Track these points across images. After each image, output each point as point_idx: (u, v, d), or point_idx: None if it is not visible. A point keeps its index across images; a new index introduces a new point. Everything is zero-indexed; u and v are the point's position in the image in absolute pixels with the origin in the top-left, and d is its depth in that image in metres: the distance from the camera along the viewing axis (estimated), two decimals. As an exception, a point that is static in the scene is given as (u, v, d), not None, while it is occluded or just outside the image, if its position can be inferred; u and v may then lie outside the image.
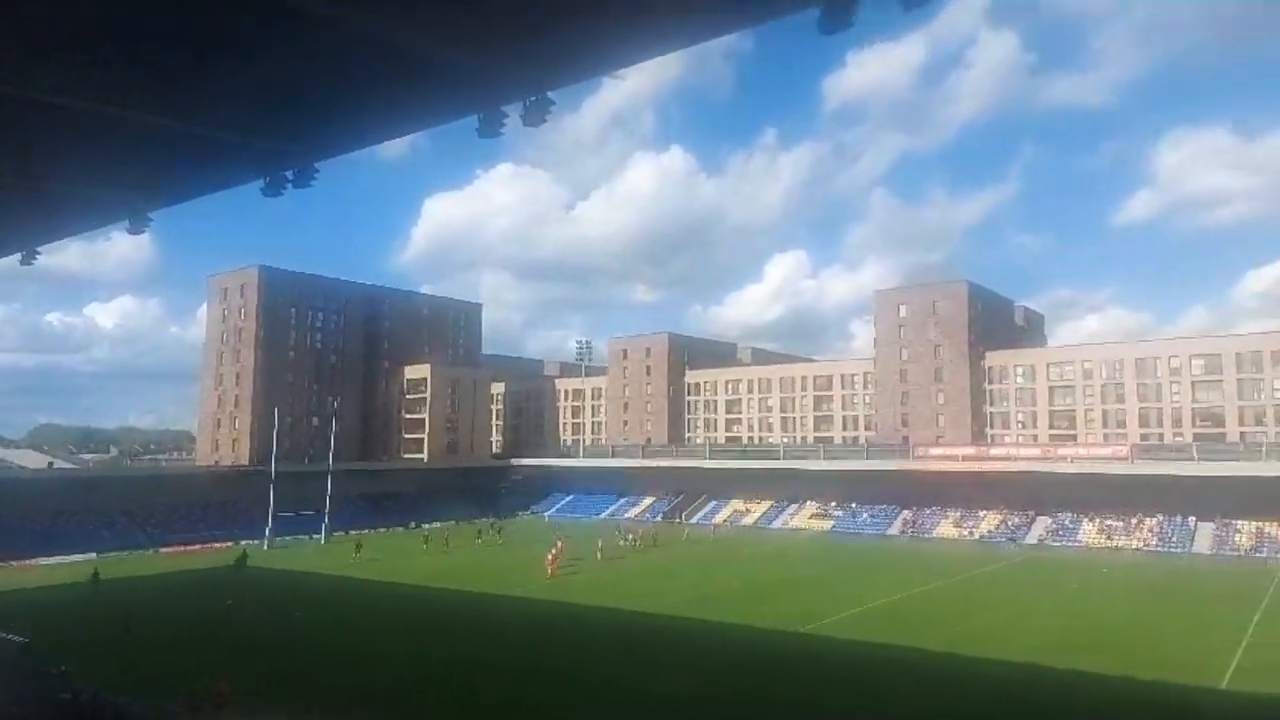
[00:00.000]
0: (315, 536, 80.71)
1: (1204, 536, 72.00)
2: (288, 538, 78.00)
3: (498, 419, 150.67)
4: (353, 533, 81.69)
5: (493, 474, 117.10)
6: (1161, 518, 75.41)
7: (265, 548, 74.35)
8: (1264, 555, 66.95)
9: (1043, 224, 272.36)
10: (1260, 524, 70.49)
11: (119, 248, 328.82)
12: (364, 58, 13.01)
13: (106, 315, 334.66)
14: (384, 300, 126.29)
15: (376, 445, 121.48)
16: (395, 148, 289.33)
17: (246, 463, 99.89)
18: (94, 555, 65.54)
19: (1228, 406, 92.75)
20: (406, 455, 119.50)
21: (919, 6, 10.20)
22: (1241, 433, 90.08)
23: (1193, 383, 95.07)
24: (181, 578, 57.79)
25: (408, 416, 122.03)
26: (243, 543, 71.86)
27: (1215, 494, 72.07)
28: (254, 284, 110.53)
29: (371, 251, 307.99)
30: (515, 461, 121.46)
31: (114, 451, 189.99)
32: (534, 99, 12.80)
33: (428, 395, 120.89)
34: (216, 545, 73.85)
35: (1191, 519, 74.01)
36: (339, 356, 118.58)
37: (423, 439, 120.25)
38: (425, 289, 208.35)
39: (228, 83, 14.27)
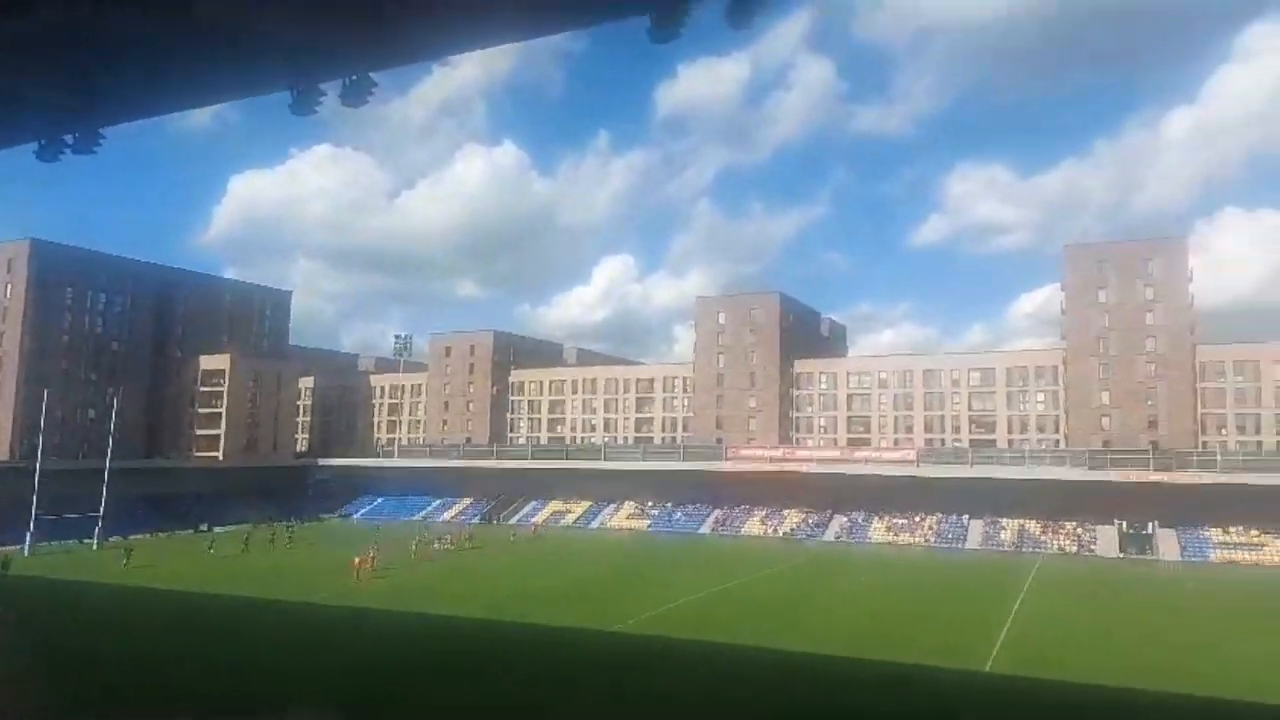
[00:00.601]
0: (87, 541, 72.80)
1: (975, 533, 79.90)
2: (54, 543, 69.90)
3: (305, 415, 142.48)
4: (132, 537, 74.25)
5: (297, 474, 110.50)
6: (940, 516, 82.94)
7: (26, 554, 66.18)
8: (1024, 549, 75.23)
9: (849, 242, 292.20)
10: (1021, 521, 79.15)
11: None
12: (167, 15, 11.81)
13: None
14: (179, 283, 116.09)
15: (165, 441, 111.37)
16: (198, 118, 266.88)
17: (6, 458, 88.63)
18: None
19: (999, 415, 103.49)
20: (199, 453, 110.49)
21: (745, 26, 10.64)
22: (1010, 439, 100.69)
23: (970, 393, 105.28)
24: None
25: (202, 411, 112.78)
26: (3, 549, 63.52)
27: (986, 494, 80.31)
28: (24, 258, 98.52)
29: (168, 230, 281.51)
30: (322, 461, 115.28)
31: None
32: (354, 78, 12.17)
33: (225, 388, 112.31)
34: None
35: (966, 516, 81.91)
36: (123, 343, 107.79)
37: (218, 435, 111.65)
38: (230, 273, 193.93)
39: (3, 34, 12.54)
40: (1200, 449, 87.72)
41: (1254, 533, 71.77)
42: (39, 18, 11.82)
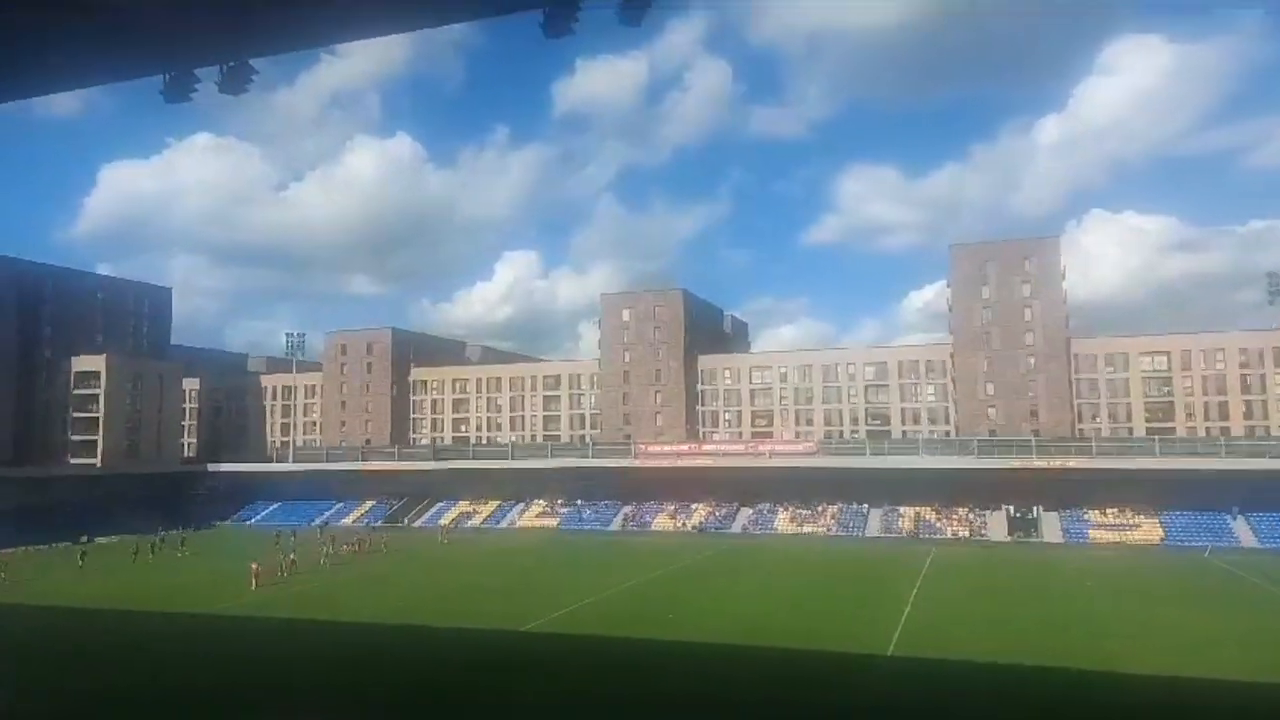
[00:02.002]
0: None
1: (875, 521, 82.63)
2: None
3: (192, 419, 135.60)
4: (4, 551, 69.08)
5: (184, 480, 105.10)
6: (841, 505, 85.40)
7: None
8: (921, 535, 78.22)
9: (748, 240, 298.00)
10: (918, 509, 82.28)
11: None
12: (12, -10, 10.82)
13: None
14: (45, 280, 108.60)
15: (35, 448, 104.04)
16: (63, 103, 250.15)
17: None
18: None
19: (892, 407, 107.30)
20: (75, 460, 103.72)
21: (635, 24, 10.60)
22: (903, 430, 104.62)
23: (866, 386, 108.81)
24: None
25: (76, 415, 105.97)
26: None
27: (883, 483, 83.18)
28: None
29: (30, 224, 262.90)
30: (211, 467, 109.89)
31: None
32: (232, 65, 11.43)
33: (102, 390, 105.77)
34: None
35: (865, 506, 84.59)
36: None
37: (95, 441, 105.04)
38: (103, 269, 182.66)
39: None
40: (1077, 436, 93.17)
41: (1128, 513, 76.63)
42: None
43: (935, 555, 66.29)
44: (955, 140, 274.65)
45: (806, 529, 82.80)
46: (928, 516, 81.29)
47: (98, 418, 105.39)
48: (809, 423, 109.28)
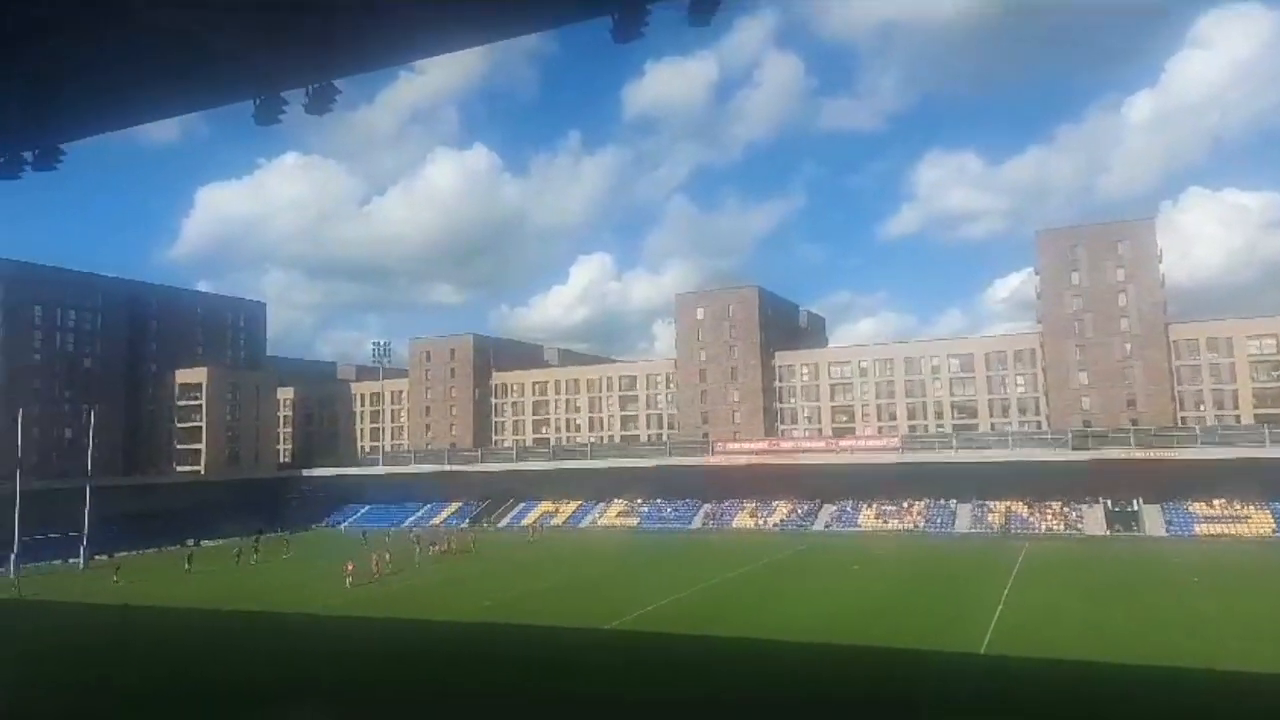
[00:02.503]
0: (73, 561, 71.84)
1: (963, 516, 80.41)
2: (39, 564, 68.84)
3: (286, 426, 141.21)
4: (118, 555, 73.51)
5: (280, 485, 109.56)
6: (928, 501, 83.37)
7: (10, 576, 65.12)
8: (1012, 531, 75.79)
9: (823, 234, 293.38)
10: (1008, 503, 79.72)
11: None
12: (118, 29, 11.54)
13: None
14: (149, 298, 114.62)
15: (146, 457, 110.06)
16: (163, 130, 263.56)
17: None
18: None
19: (979, 399, 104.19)
20: (181, 468, 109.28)
21: (703, 24, 10.62)
22: (991, 423, 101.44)
23: (951, 379, 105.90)
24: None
25: (181, 425, 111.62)
26: None
27: (971, 478, 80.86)
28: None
29: (136, 245, 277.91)
30: (306, 472, 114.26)
31: None
32: (317, 86, 11.95)
33: (204, 401, 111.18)
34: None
35: (953, 501, 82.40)
36: (96, 360, 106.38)
37: (200, 449, 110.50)
38: (202, 286, 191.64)
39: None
40: (1179, 425, 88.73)
41: (1236, 505, 72.66)
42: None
43: (1028, 551, 64.15)
44: (1039, 123, 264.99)
45: (892, 526, 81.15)
46: (1019, 511, 78.68)
47: (200, 427, 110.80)
48: (891, 418, 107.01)
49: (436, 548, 72.21)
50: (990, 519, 78.93)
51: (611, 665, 33.80)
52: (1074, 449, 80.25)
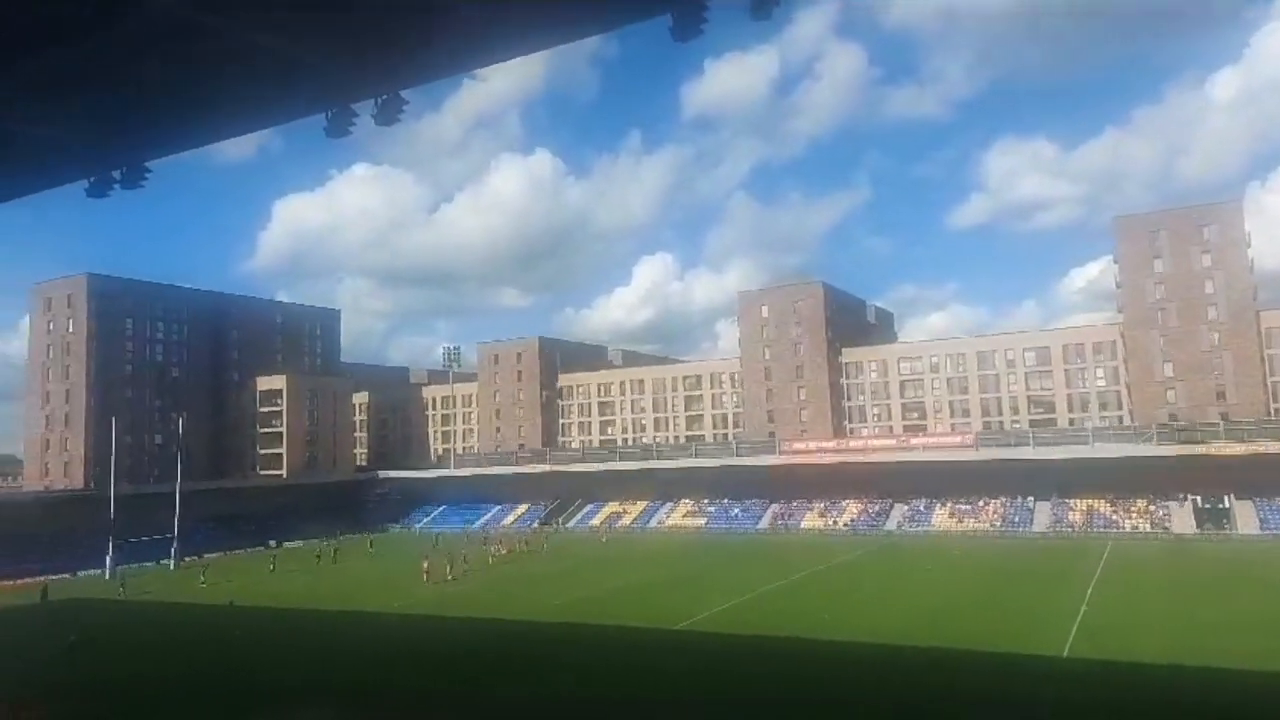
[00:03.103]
0: (164, 562, 75.16)
1: (1042, 515, 77.92)
2: (133, 565, 72.19)
3: (361, 430, 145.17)
4: (206, 556, 76.75)
5: (357, 488, 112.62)
6: (1004, 500, 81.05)
7: (107, 577, 68.52)
8: (1094, 530, 73.15)
9: (890, 227, 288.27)
10: (1090, 501, 76.95)
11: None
12: (195, 50, 12.07)
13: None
14: (231, 308, 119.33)
15: (230, 461, 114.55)
16: (240, 146, 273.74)
17: (81, 486, 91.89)
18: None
19: (1057, 393, 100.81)
20: (264, 471, 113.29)
21: (765, 19, 10.52)
22: (1070, 418, 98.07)
23: (1026, 373, 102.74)
24: (9, 614, 52.39)
25: (263, 430, 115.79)
26: (49, 577, 65.09)
27: (1050, 475, 78.26)
28: (82, 293, 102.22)
29: (217, 258, 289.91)
30: (382, 474, 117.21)
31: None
32: (385, 97, 12.29)
33: (284, 407, 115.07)
34: (54, 577, 66.76)
35: (1031, 500, 79.93)
36: (183, 369, 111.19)
37: (281, 454, 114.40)
38: (280, 296, 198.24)
39: (43, 74, 12.96)
40: (1272, 417, 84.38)
41: (1338, 502, 68.80)
42: (76, 52, 12.18)
43: (1112, 551, 61.85)
44: (1114, 105, 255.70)
45: (967, 525, 79.14)
46: (1101, 510, 75.91)
47: (281, 432, 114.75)
48: (965, 414, 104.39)
49: (505, 549, 73.18)
50: (1071, 518, 76.33)
51: (685, 666, 33.76)
52: (1160, 443, 77.04)
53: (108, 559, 71.03)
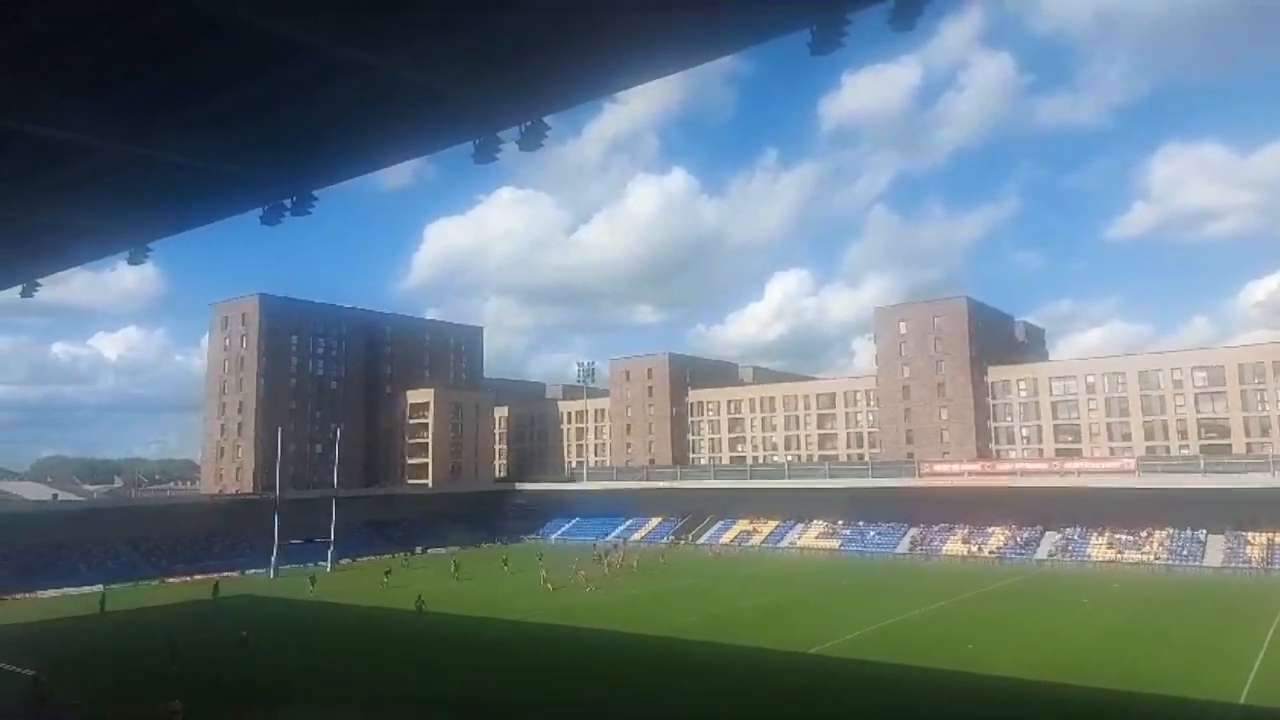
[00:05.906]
0: (321, 564, 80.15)
1: (1215, 549, 71.33)
2: (294, 566, 77.40)
3: (501, 443, 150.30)
4: (360, 560, 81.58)
5: (496, 498, 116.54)
6: (1171, 531, 74.74)
7: (271, 576, 73.83)
8: (1276, 566, 66.29)
9: (1040, 240, 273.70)
10: (1272, 535, 69.85)
11: (124, 279, 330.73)
12: (356, 88, 13.10)
13: (112, 346, 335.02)
14: (384, 325, 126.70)
15: (380, 470, 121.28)
16: (397, 174, 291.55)
17: (250, 491, 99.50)
18: (99, 587, 64.19)
19: (1232, 417, 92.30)
20: (411, 480, 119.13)
21: (907, 29, 10.34)
22: (1248, 444, 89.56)
23: (1196, 394, 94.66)
24: (187, 608, 57.32)
25: (411, 441, 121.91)
26: (220, 574, 69.72)
27: (1225, 506, 71.49)
28: (254, 312, 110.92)
29: (374, 278, 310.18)
30: (519, 486, 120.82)
31: (118, 482, 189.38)
32: (529, 124, 12.86)
33: (430, 419, 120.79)
34: (224, 574, 72.53)
35: (1202, 532, 73.35)
36: (341, 382, 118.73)
37: (427, 464, 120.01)
38: (429, 314, 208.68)
39: (224, 115, 14.40)
40: None
41: None
42: (251, 101, 13.47)
43: (1300, 590, 55.85)
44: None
45: (1128, 557, 73.39)
46: (1288, 545, 68.69)
47: (427, 443, 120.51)
48: (1125, 437, 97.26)
49: (619, 563, 73.96)
50: (1249, 552, 69.47)
51: (819, 690, 33.01)
52: (1357, 474, 69.12)
53: (272, 559, 76.52)
